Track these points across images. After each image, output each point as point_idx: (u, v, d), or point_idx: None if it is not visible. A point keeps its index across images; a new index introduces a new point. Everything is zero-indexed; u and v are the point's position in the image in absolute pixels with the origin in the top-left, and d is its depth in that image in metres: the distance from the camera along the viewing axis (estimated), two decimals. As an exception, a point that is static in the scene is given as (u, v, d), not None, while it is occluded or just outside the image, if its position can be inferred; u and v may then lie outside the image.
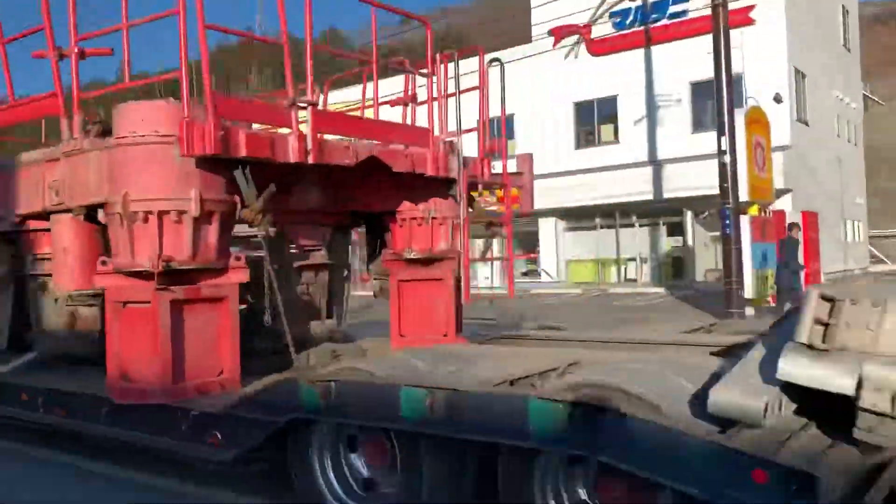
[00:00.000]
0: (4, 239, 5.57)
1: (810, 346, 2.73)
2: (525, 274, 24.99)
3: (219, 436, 4.35)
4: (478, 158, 6.24)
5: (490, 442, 3.40)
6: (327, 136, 5.25)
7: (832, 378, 2.64)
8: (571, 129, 23.73)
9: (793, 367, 2.71)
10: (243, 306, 5.31)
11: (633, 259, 23.35)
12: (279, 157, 4.73)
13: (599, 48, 22.82)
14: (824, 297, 2.81)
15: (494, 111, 6.74)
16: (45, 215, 4.99)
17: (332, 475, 4.09)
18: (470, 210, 6.10)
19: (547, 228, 24.18)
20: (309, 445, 4.11)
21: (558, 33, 23.08)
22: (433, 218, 6.16)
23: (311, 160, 4.85)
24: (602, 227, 23.80)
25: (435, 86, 5.95)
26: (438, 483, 3.65)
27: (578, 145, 23.81)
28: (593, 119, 23.76)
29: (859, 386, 2.56)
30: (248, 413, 4.21)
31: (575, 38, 22.97)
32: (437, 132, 5.88)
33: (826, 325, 2.76)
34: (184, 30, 4.34)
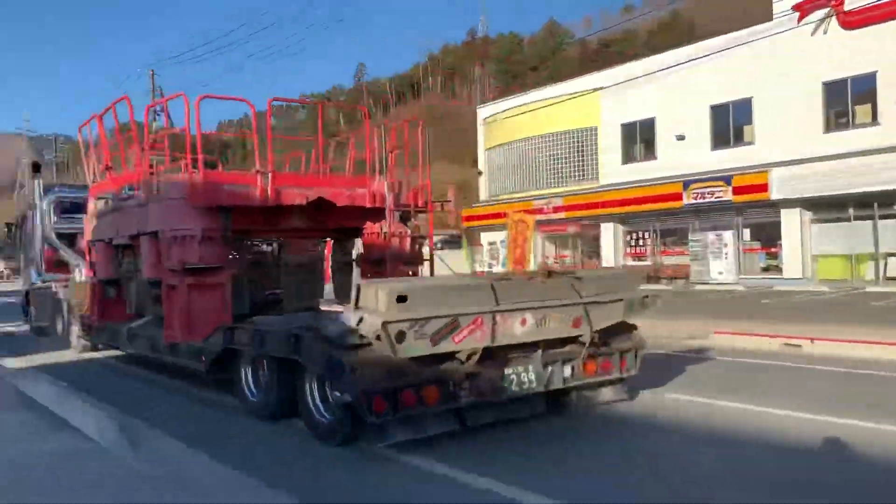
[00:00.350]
0: (123, 248, 10.32)
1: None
2: (765, 270, 24.03)
3: (203, 358, 8.17)
4: (410, 193, 9.16)
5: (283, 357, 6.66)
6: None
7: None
8: (819, 111, 22.09)
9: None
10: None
11: (895, 254, 20.93)
12: (248, 202, 8.44)
13: (854, 20, 20.84)
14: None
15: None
16: (137, 236, 9.36)
17: (250, 378, 7.56)
18: (407, 225, 9.24)
19: (791, 220, 22.83)
20: (239, 361, 7.63)
21: (804, 8, 21.69)
22: (385, 232, 9.30)
23: (270, 203, 8.48)
24: (856, 219, 21.70)
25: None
26: (273, 377, 7.02)
27: (828, 128, 22.08)
28: (846, 99, 21.75)
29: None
30: (212, 346, 7.96)
31: (824, 11, 21.32)
32: (377, 179, 9.14)
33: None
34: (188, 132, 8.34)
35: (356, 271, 10.62)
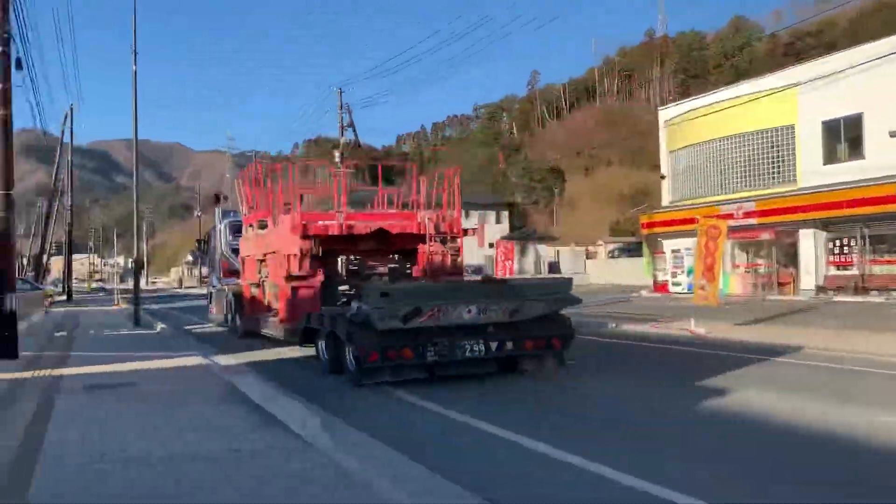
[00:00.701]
0: (261, 261, 14.25)
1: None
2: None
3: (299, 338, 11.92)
4: (447, 224, 12.40)
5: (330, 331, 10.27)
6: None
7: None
8: None
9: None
10: (345, 287, 13.11)
11: None
12: (330, 232, 12.08)
13: None
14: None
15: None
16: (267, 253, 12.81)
17: (323, 347, 10.93)
18: (445, 247, 12.38)
19: None
20: (316, 336, 11.22)
21: None
22: (432, 252, 12.59)
23: (344, 233, 12.05)
24: None
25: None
26: (329, 344, 10.62)
27: None
28: None
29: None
30: (300, 327, 11.69)
31: None
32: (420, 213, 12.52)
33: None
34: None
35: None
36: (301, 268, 12.10)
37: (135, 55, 22.25)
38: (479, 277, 33.76)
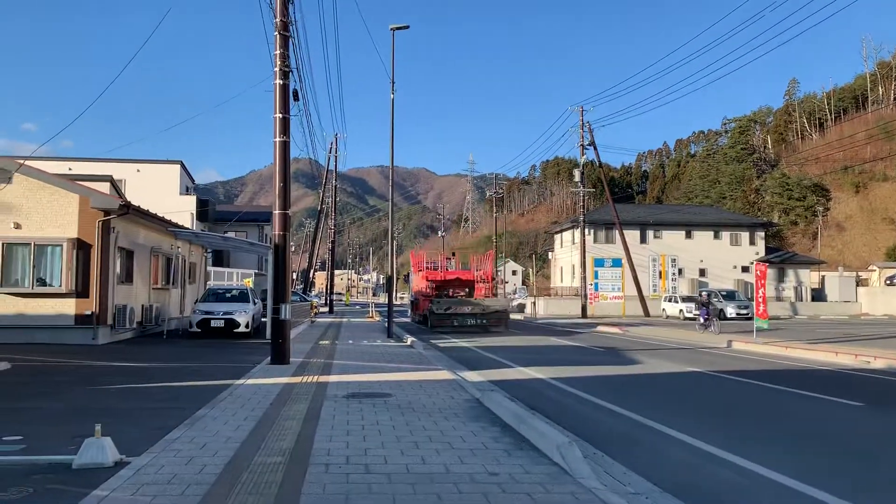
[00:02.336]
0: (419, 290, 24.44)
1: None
2: None
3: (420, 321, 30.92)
4: (484, 274, 29.02)
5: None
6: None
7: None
8: None
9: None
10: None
11: None
12: (437, 278, 30.33)
13: None
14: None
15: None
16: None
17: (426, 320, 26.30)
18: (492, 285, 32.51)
19: None
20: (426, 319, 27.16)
21: None
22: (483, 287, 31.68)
23: (441, 279, 29.98)
24: None
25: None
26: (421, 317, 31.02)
27: None
28: None
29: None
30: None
31: None
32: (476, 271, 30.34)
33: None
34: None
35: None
36: (426, 294, 29.04)
37: (392, 84, 23.79)
38: (721, 299, 39.47)
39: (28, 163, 18.14)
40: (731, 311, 40.39)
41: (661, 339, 24.72)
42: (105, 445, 5.62)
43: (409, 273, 38.17)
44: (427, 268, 32.22)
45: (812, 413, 9.77)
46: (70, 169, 33.75)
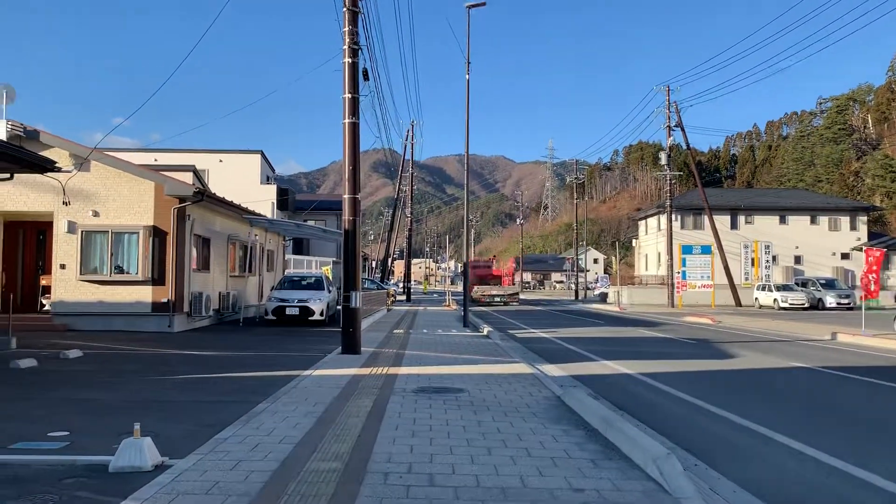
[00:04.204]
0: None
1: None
2: None
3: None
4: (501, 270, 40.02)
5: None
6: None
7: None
8: None
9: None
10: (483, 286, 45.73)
11: None
12: (479, 274, 46.29)
13: None
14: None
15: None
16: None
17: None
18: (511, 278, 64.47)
19: None
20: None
21: None
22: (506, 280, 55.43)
23: (481, 273, 47.13)
24: None
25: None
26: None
27: None
28: None
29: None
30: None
31: None
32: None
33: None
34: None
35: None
36: (473, 283, 38.72)
37: (468, 64, 22.97)
38: (819, 287, 39.13)
39: (117, 154, 18.30)
40: (830, 300, 37.77)
41: (756, 330, 23.05)
42: (143, 447, 5.09)
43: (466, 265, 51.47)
44: (474, 266, 47.95)
45: (950, 419, 8.43)
46: (156, 160, 34.55)
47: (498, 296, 43.20)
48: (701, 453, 6.38)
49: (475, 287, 42.68)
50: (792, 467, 6.03)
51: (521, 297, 65.78)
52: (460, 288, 59.52)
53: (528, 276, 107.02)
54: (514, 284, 51.98)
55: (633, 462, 5.59)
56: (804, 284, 40.49)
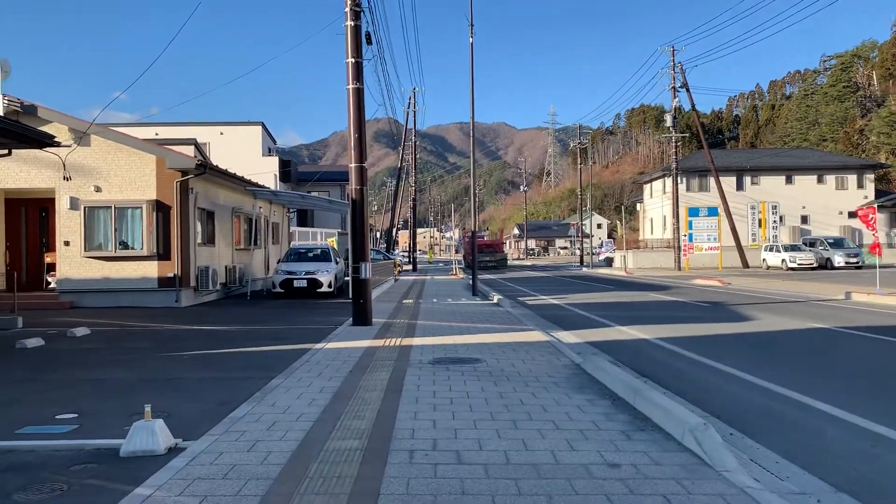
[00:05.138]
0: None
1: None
2: None
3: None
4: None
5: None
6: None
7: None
8: None
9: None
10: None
11: None
12: (478, 244, 25.40)
13: None
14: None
15: None
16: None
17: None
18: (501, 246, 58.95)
19: None
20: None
21: None
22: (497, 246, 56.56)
23: (479, 242, 30.57)
24: None
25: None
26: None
27: None
28: None
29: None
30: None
31: None
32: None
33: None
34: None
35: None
36: (467, 253, 45.60)
37: (471, 27, 22.37)
38: (827, 247, 38.32)
39: (117, 129, 17.87)
40: (839, 259, 37.43)
41: (768, 291, 22.78)
42: (155, 429, 4.85)
43: (462, 236, 56.52)
44: (469, 237, 55.53)
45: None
46: (157, 133, 34.11)
47: (489, 261, 51.31)
48: (734, 422, 6.14)
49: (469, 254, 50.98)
50: (834, 435, 5.78)
51: (527, 263, 67.41)
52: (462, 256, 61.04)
53: (532, 243, 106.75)
54: (503, 252, 57.34)
55: (667, 433, 5.35)
56: (812, 244, 40.10)
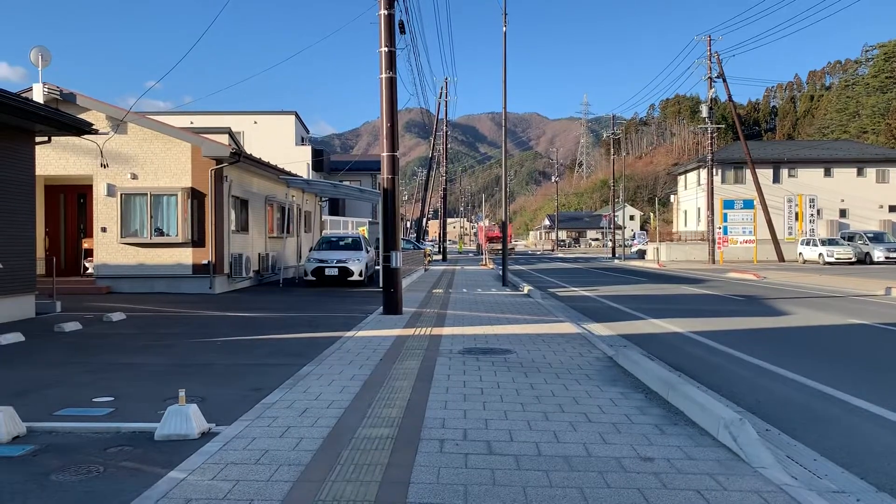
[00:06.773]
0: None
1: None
2: None
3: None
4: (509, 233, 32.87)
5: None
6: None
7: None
8: None
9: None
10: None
11: None
12: (489, 234, 56.81)
13: None
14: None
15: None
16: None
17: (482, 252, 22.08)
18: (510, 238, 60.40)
19: None
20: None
21: None
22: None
23: (489, 234, 57.03)
24: None
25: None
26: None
27: None
28: None
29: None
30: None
31: None
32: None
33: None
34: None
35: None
36: (484, 240, 51.29)
37: (504, 16, 22.21)
38: (867, 241, 37.20)
39: (153, 117, 18.11)
40: (878, 254, 36.57)
41: (805, 285, 22.35)
42: (189, 414, 4.90)
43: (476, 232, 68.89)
44: (486, 231, 61.97)
45: None
46: (192, 122, 34.51)
47: (499, 250, 55.21)
48: (771, 418, 6.03)
49: (487, 244, 57.63)
50: (874, 433, 5.63)
51: (558, 254, 66.73)
52: (497, 246, 61.58)
53: (563, 234, 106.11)
54: (513, 243, 67.20)
55: (701, 428, 5.26)
56: (850, 238, 39.23)
